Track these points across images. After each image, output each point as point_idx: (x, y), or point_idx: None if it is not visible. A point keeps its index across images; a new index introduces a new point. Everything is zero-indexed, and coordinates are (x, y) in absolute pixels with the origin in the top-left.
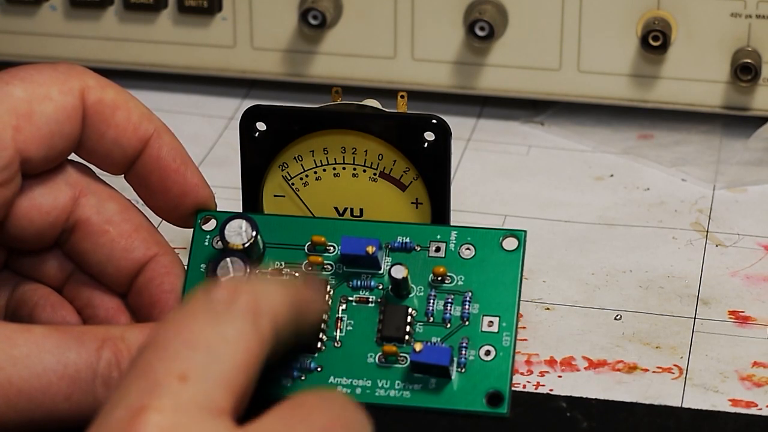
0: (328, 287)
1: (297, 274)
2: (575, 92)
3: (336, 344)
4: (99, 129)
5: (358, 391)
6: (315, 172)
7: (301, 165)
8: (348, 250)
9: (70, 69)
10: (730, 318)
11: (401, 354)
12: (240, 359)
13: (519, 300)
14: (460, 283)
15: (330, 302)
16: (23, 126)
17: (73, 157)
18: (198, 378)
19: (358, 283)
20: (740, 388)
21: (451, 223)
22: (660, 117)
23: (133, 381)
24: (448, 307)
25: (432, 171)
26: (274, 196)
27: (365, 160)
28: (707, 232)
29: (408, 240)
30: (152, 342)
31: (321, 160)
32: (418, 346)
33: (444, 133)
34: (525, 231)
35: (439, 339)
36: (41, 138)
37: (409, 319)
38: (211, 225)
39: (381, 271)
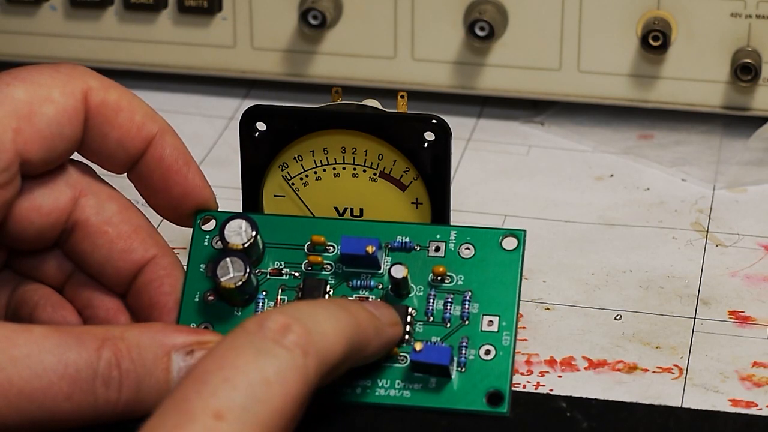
0: (328, 287)
1: (365, 303)
2: (575, 92)
3: None
4: (102, 130)
5: (358, 390)
6: (315, 172)
7: (301, 165)
8: (348, 250)
9: (73, 70)
10: (730, 318)
11: (401, 353)
12: (279, 404)
13: (519, 299)
14: (459, 282)
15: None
16: (23, 128)
17: (75, 156)
18: (234, 419)
19: (358, 282)
20: (740, 388)
21: (451, 223)
22: (660, 117)
23: (169, 412)
24: (448, 307)
25: (432, 171)
26: (274, 196)
27: (365, 160)
28: (707, 232)
29: (408, 240)
30: (193, 373)
31: (321, 160)
32: (418, 346)
33: (444, 133)
34: (524, 231)
35: (439, 338)
36: (42, 140)
37: (409, 318)
38: (211, 225)
39: (381, 271)
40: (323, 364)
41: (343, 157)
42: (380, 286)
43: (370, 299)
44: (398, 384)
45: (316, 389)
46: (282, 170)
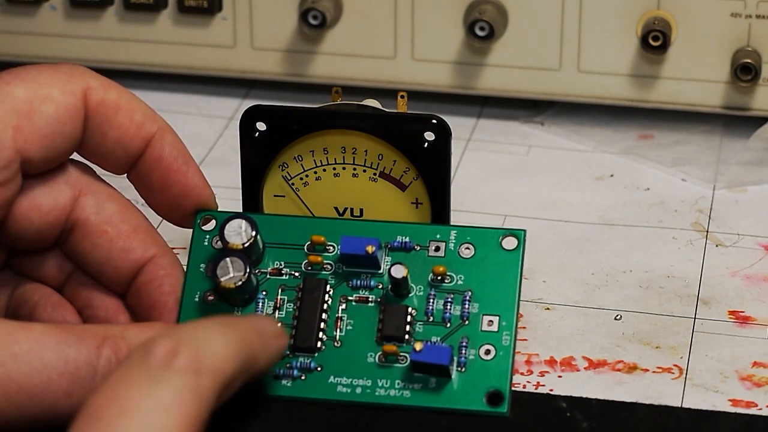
0: (328, 287)
1: (247, 317)
2: (575, 92)
3: (336, 344)
4: (101, 130)
5: (358, 390)
6: (315, 172)
7: (301, 165)
8: (348, 250)
9: (72, 70)
10: (730, 318)
11: (401, 353)
12: (178, 426)
13: (519, 299)
14: (459, 282)
15: (330, 302)
16: (24, 126)
17: (75, 156)
18: None
19: (358, 282)
20: (740, 388)
21: (451, 223)
22: (660, 117)
23: None
24: (448, 307)
25: (432, 171)
26: (274, 196)
27: (365, 160)
28: (707, 232)
29: (408, 239)
30: (84, 411)
31: (321, 160)
32: (418, 346)
33: (444, 133)
34: (524, 230)
35: (439, 338)
36: (42, 138)
37: (408, 318)
38: (211, 225)
39: (381, 271)
40: (217, 383)
41: (343, 157)
42: (380, 286)
43: (370, 299)
44: (398, 384)
45: (213, 409)
46: (282, 170)
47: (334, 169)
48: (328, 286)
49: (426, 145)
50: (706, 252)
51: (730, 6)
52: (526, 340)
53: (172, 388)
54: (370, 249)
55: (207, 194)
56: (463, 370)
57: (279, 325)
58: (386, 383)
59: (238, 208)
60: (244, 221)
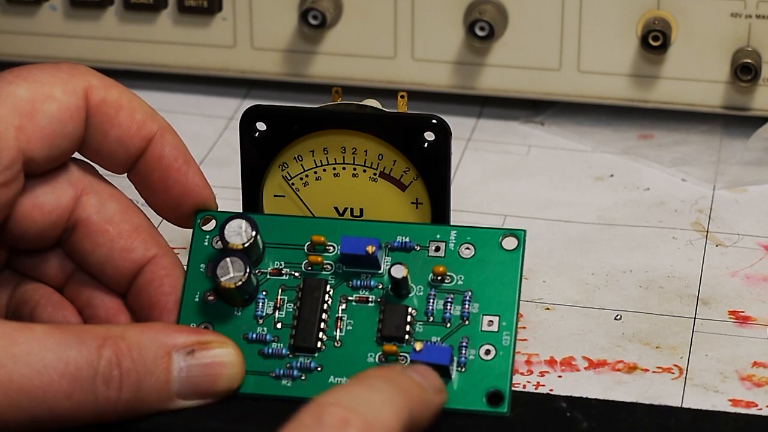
0: (328, 287)
1: (412, 372)
2: (575, 92)
3: (336, 344)
4: (102, 129)
5: None
6: (315, 172)
7: (301, 165)
8: (348, 250)
9: (74, 69)
10: (730, 318)
11: (401, 353)
12: None
13: (519, 299)
14: (459, 282)
15: (330, 302)
16: (26, 126)
17: (76, 155)
18: None
19: (358, 282)
20: (740, 388)
21: (451, 223)
22: (660, 117)
23: None
24: (448, 307)
25: (432, 171)
26: (274, 196)
27: (365, 160)
28: (707, 232)
29: (408, 240)
30: None
31: (321, 160)
32: (418, 346)
33: (444, 133)
34: (524, 230)
35: (439, 338)
36: (44, 138)
37: (408, 318)
38: (211, 225)
39: (381, 271)
40: None
41: (343, 157)
42: (380, 286)
43: (370, 299)
44: None
45: None
46: (282, 170)
47: (334, 169)
48: (328, 286)
49: (426, 145)
50: (706, 252)
51: (730, 6)
52: (526, 340)
53: None
54: (370, 249)
55: (207, 194)
56: (463, 370)
57: (440, 379)
58: None
59: (238, 208)
60: (244, 221)
